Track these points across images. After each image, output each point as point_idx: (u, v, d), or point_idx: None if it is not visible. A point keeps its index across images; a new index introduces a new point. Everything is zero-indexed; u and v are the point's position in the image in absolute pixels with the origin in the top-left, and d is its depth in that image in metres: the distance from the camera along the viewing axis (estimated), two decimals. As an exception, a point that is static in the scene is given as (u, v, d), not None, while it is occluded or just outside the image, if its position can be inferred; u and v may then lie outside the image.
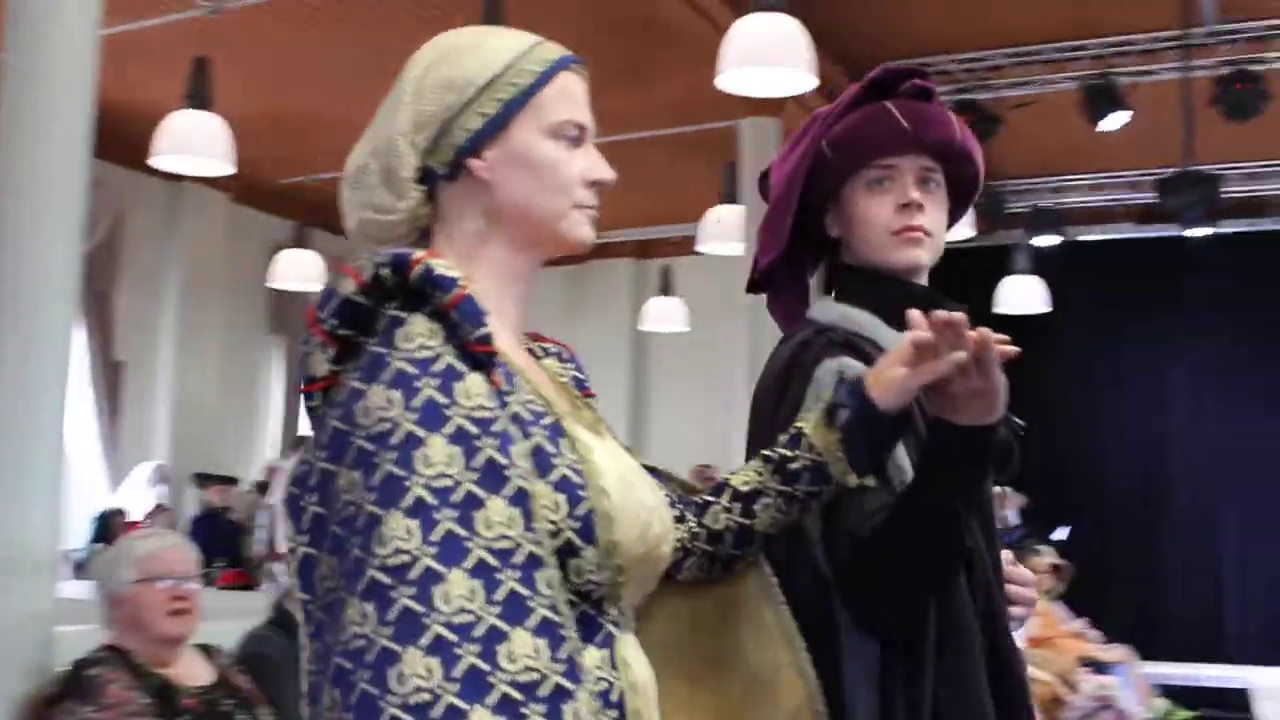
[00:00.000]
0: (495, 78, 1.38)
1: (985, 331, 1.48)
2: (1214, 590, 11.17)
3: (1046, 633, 7.06)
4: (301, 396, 1.28)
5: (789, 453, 1.57)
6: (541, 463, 1.25)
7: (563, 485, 1.25)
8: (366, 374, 1.21)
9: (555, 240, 1.42)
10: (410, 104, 1.38)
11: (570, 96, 1.41)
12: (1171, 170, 8.28)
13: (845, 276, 1.88)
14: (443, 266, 1.24)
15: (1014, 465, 1.73)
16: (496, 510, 1.17)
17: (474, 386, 1.21)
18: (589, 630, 1.27)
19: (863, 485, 1.61)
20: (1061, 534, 9.44)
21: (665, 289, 11.24)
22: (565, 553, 1.24)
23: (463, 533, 1.14)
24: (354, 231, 1.42)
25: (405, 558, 1.12)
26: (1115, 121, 7.89)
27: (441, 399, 1.19)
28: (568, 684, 1.14)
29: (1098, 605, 9.49)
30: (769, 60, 5.16)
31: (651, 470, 1.50)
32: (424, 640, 1.09)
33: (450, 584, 1.12)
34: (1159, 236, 10.37)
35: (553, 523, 1.23)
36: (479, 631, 1.11)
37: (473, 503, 1.16)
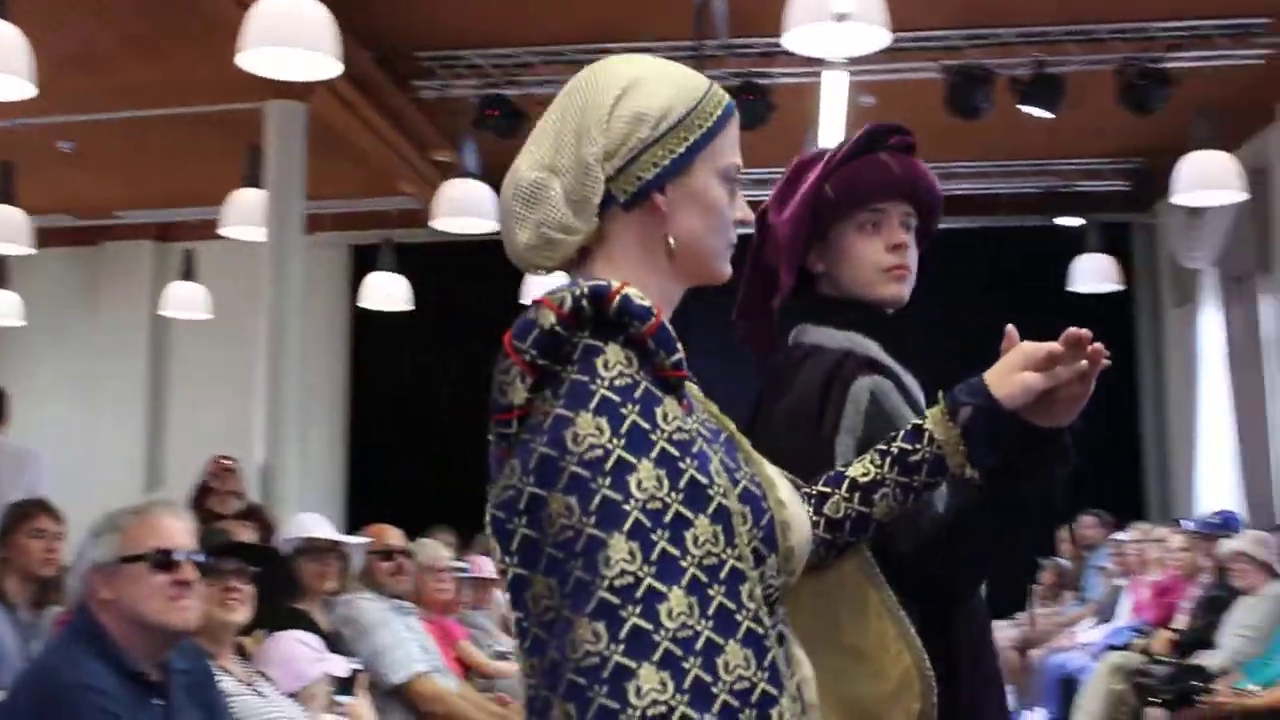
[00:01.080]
0: (684, 117, 1.52)
1: (1099, 346, 1.70)
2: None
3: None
4: (493, 424, 1.39)
5: (909, 446, 1.72)
6: (728, 478, 1.39)
7: (746, 497, 1.39)
8: (571, 402, 1.33)
9: (710, 274, 1.59)
10: (603, 131, 1.49)
11: (735, 141, 1.58)
12: None
13: (833, 307, 2.22)
14: (638, 297, 1.37)
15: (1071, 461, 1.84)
16: (703, 528, 1.30)
17: (671, 410, 1.35)
18: (780, 632, 1.43)
19: None
20: None
21: (187, 274, 10.47)
22: (754, 562, 1.36)
23: (676, 552, 1.27)
24: (525, 244, 1.53)
25: (630, 579, 1.25)
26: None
27: (645, 424, 1.32)
28: (773, 690, 1.28)
29: None
30: (292, 42, 5.09)
31: None
32: (655, 656, 1.22)
33: (672, 601, 1.25)
34: None
35: (742, 533, 1.36)
36: (699, 645, 1.24)
37: (682, 523, 1.29)
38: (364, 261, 11.06)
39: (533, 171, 1.54)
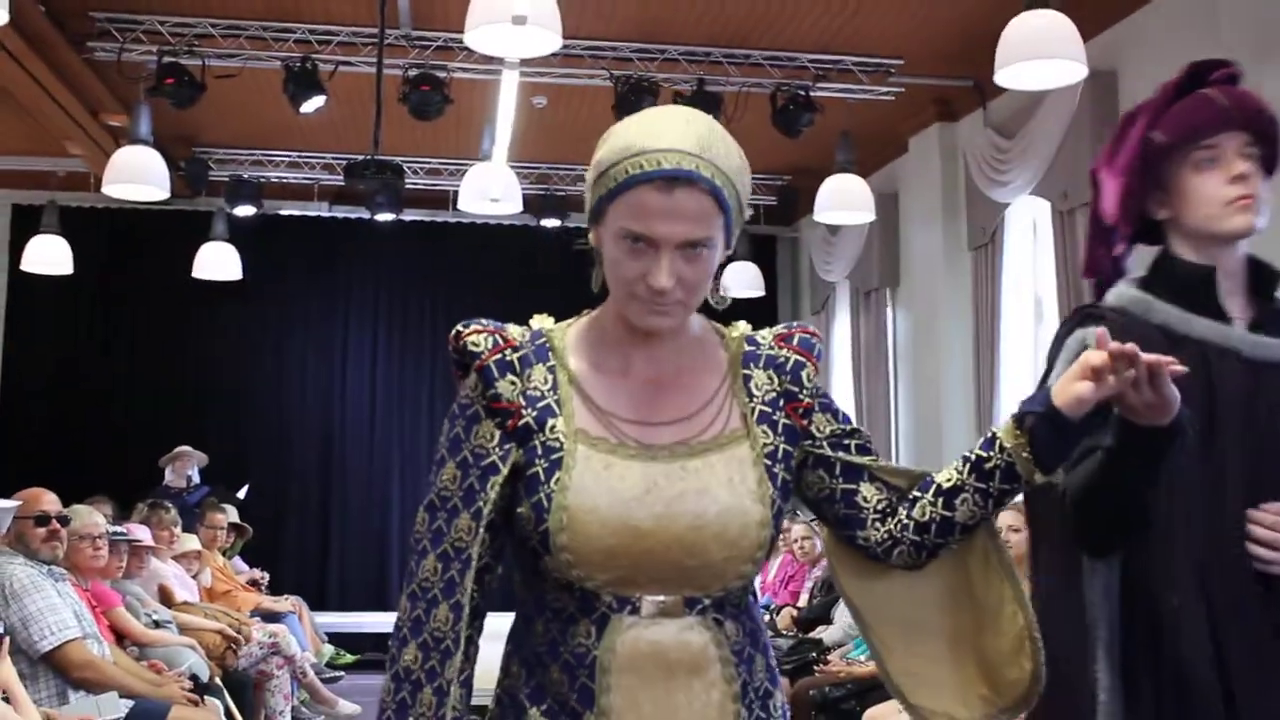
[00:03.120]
0: (602, 174, 1.72)
1: (1158, 357, 1.74)
2: (381, 546, 11.57)
3: (224, 586, 8.17)
4: None
5: (985, 454, 1.81)
6: (530, 488, 1.73)
7: (536, 507, 1.71)
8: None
9: (627, 317, 1.79)
10: (589, 179, 1.78)
11: (638, 210, 1.68)
12: (362, 157, 8.55)
13: (1174, 255, 2.19)
14: (472, 341, 1.80)
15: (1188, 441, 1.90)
16: (464, 521, 1.74)
17: (485, 430, 1.77)
18: (585, 608, 1.73)
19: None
20: (241, 493, 9.85)
21: None
22: (536, 555, 1.74)
23: (445, 530, 1.75)
24: None
25: (417, 537, 1.77)
26: (314, 105, 7.77)
27: (462, 435, 1.78)
28: (454, 648, 1.73)
29: (274, 560, 10.07)
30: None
31: (856, 469, 1.88)
32: (408, 590, 1.76)
33: (428, 561, 1.75)
34: (350, 217, 10.96)
35: (527, 532, 1.73)
36: (429, 596, 1.73)
37: (455, 512, 1.75)
38: (25, 222, 10.46)
39: None
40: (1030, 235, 8.12)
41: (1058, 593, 2.18)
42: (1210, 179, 2.11)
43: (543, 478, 1.72)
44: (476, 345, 1.78)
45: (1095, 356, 1.76)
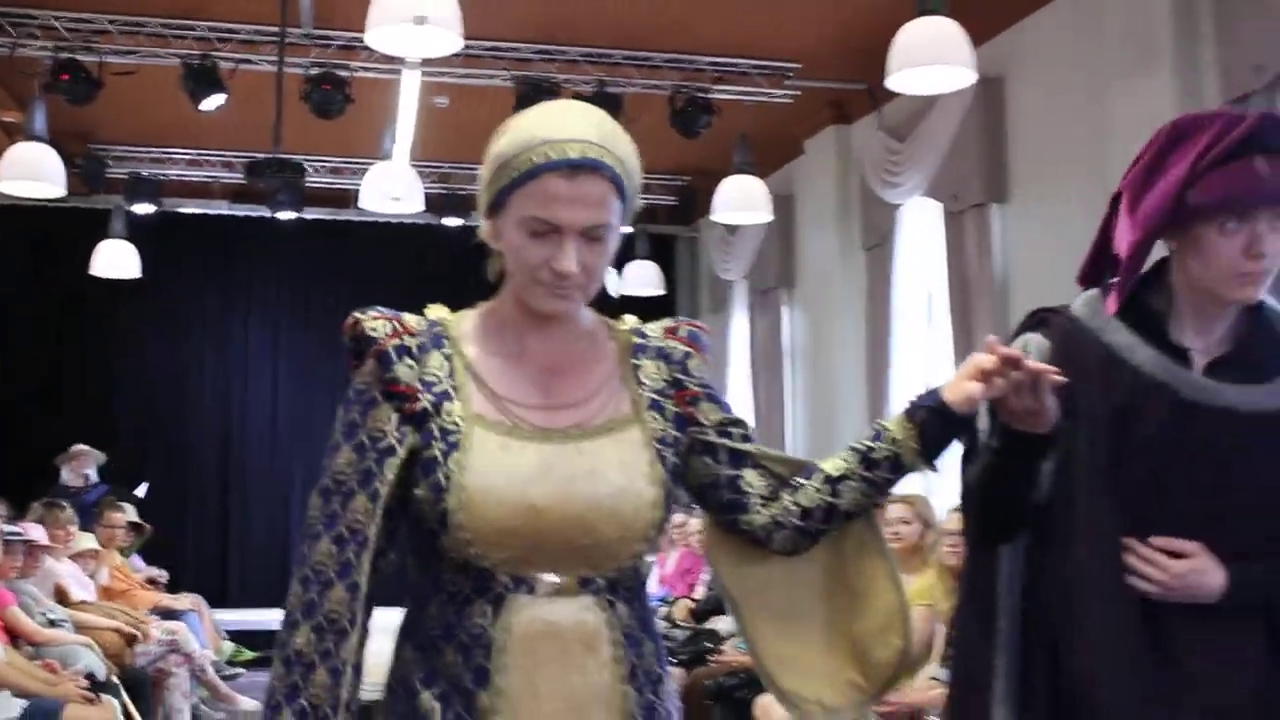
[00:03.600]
0: (503, 165, 1.76)
1: (1041, 366, 1.83)
2: (282, 543, 11.36)
3: (122, 585, 8.03)
4: None
5: (873, 445, 1.89)
6: (427, 469, 1.74)
7: (434, 487, 1.73)
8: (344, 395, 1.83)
9: (527, 303, 1.82)
10: (482, 173, 1.83)
11: (543, 198, 1.72)
12: (263, 155, 8.67)
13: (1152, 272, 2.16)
14: (370, 327, 1.82)
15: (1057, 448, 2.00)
16: (361, 503, 1.75)
17: (382, 415, 1.78)
18: (481, 588, 1.76)
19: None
20: (142, 491, 9.72)
21: None
22: (434, 535, 1.75)
23: (340, 513, 1.76)
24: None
25: (310, 522, 1.78)
26: (214, 103, 7.69)
27: (358, 420, 1.79)
28: (349, 627, 1.74)
29: (174, 558, 9.96)
30: None
31: (740, 455, 1.93)
32: (299, 575, 1.76)
33: (321, 545, 1.76)
34: (250, 215, 10.59)
35: (424, 513, 1.74)
36: (323, 579, 1.74)
37: (350, 495, 1.76)
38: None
39: None
40: (922, 236, 8.25)
41: (971, 594, 2.27)
42: (1231, 245, 2.03)
43: (440, 459, 1.74)
44: (375, 330, 1.80)
45: (985, 359, 1.82)
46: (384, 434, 1.77)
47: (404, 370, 1.78)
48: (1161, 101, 5.79)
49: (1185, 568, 2.05)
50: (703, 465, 1.92)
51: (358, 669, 1.76)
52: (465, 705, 1.75)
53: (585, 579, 1.79)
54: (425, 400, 1.77)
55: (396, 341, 1.80)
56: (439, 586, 1.79)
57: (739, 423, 1.96)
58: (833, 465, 1.92)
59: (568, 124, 1.77)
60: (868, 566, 1.97)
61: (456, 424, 1.76)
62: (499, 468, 1.74)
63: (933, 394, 1.89)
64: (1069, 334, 2.15)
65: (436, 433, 1.76)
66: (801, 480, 1.92)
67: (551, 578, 1.77)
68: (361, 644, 1.76)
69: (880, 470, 1.88)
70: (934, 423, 1.86)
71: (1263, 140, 2.01)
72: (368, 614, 1.78)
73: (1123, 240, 2.16)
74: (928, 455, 1.87)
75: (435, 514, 1.73)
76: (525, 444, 1.77)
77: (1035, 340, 2.13)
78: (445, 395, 1.78)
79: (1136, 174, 2.15)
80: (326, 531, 1.75)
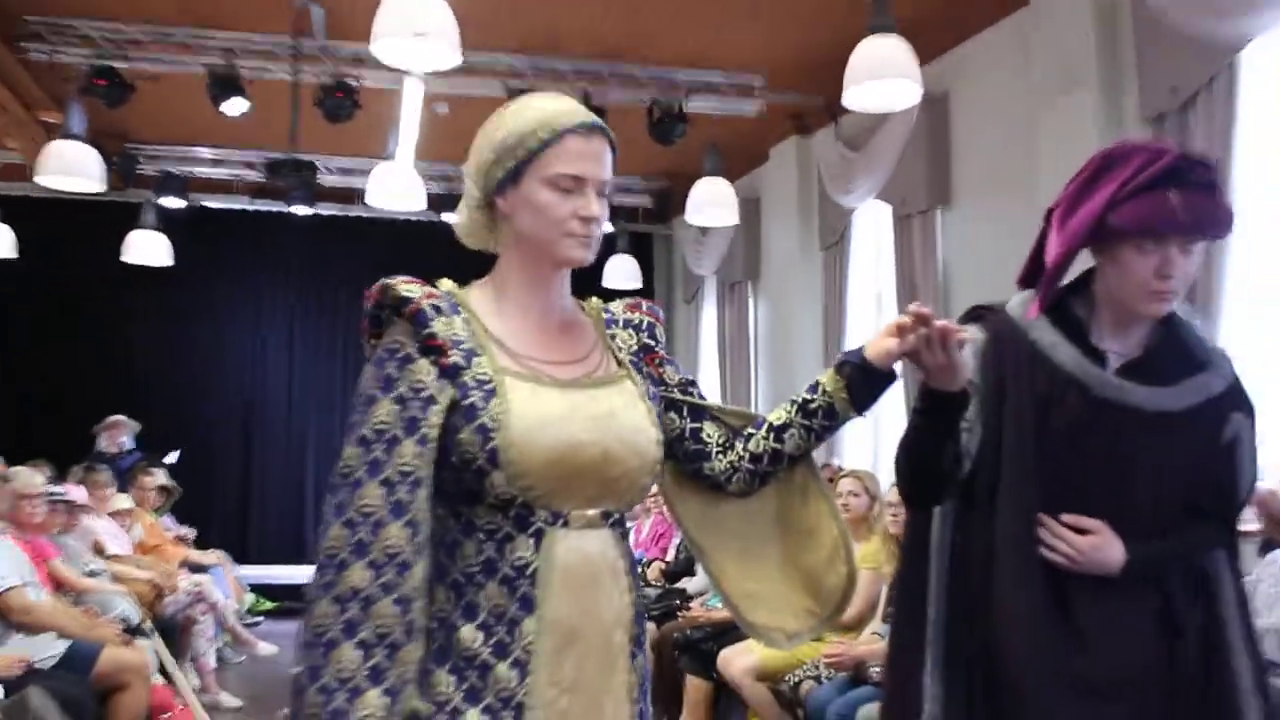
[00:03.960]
0: (514, 144, 1.81)
1: (947, 324, 1.88)
2: (298, 504, 11.51)
3: (154, 541, 8.02)
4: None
5: (810, 397, 1.97)
6: (469, 415, 1.73)
7: (481, 429, 1.71)
8: (371, 357, 1.81)
9: (556, 258, 1.85)
10: (477, 155, 1.86)
11: (568, 156, 1.80)
12: (280, 155, 8.68)
13: (1079, 280, 2.20)
14: (405, 290, 1.78)
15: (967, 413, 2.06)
16: (409, 448, 1.70)
17: (420, 369, 1.74)
18: (522, 525, 1.75)
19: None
20: (172, 457, 9.74)
21: None
22: (482, 475, 1.72)
23: (384, 459, 1.69)
24: (458, 225, 1.94)
25: (348, 470, 1.70)
26: (236, 107, 7.61)
27: (395, 374, 1.74)
28: (413, 560, 1.67)
29: (202, 518, 9.98)
30: None
31: (700, 410, 2.01)
32: (343, 518, 1.67)
33: (367, 487, 1.68)
34: (269, 210, 10.54)
35: (472, 455, 1.72)
36: (373, 520, 1.67)
37: (395, 442, 1.70)
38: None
39: (465, 178, 1.91)
40: (873, 237, 8.28)
41: (909, 559, 2.30)
42: (1146, 265, 2.05)
43: (480, 405, 1.74)
44: (410, 291, 1.78)
45: (901, 318, 1.89)
46: (425, 385, 1.74)
47: (440, 325, 1.77)
48: (1086, 119, 5.82)
49: (1090, 544, 2.09)
50: (669, 420, 1.98)
51: (429, 600, 1.71)
52: (509, 632, 1.73)
53: (606, 513, 1.83)
54: (456, 355, 1.76)
55: (430, 301, 1.79)
56: (474, 528, 1.76)
57: (694, 383, 2.04)
58: (776, 416, 1.99)
59: (561, 104, 1.85)
60: (812, 506, 2.06)
61: (487, 375, 1.76)
62: (536, 410, 1.75)
63: (857, 352, 1.96)
64: (1002, 329, 2.20)
65: (471, 383, 1.75)
66: (752, 430, 2.01)
67: (584, 511, 1.79)
68: (426, 578, 1.70)
69: (817, 419, 1.96)
70: (858, 375, 1.94)
71: (1179, 176, 2.04)
72: (430, 554, 1.73)
73: (1051, 251, 2.18)
74: (856, 404, 1.95)
75: (486, 453, 1.72)
76: (550, 390, 1.79)
77: (972, 331, 2.16)
78: (472, 352, 1.78)
79: (1070, 193, 2.17)
80: (370, 476, 1.68)
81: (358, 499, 1.67)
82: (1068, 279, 2.21)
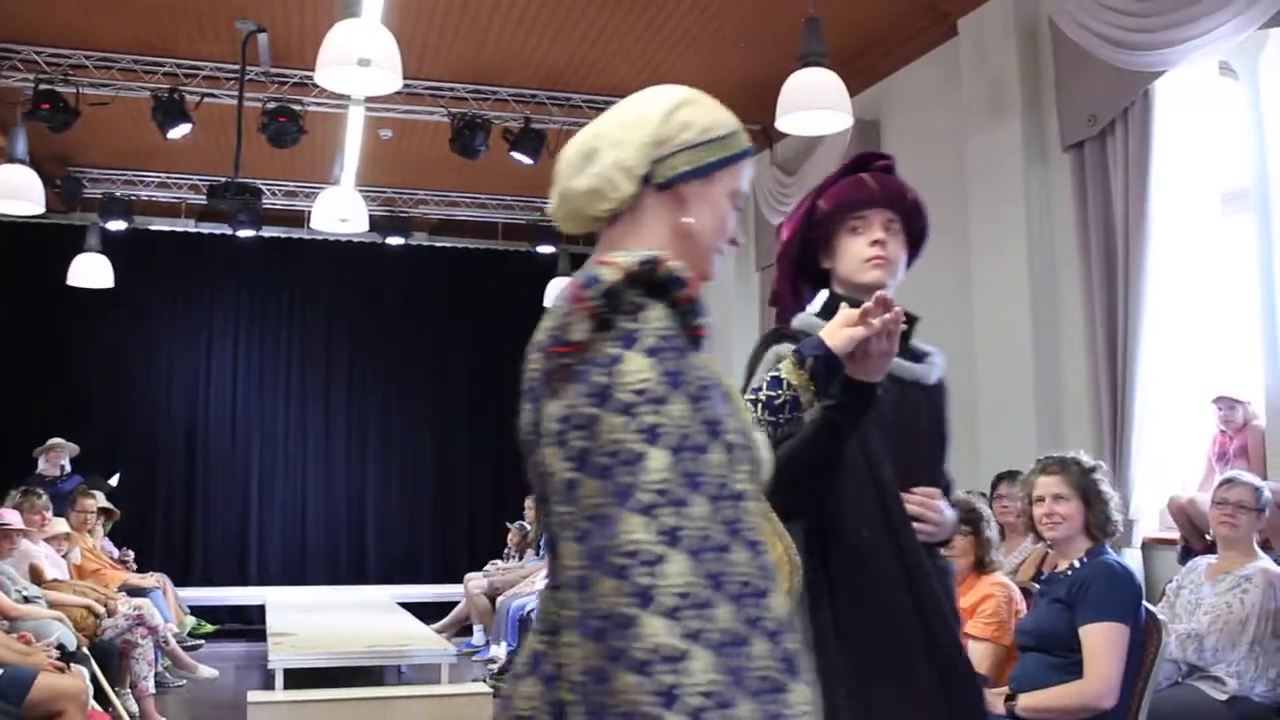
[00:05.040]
0: (721, 138, 1.63)
1: (898, 310, 1.96)
2: (241, 526, 11.34)
3: (92, 565, 7.89)
4: (549, 354, 1.40)
5: (774, 393, 1.95)
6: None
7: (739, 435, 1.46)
8: (625, 343, 1.36)
9: (701, 266, 1.63)
10: (656, 124, 1.60)
11: (746, 176, 1.68)
12: (224, 179, 8.51)
13: (835, 296, 2.37)
14: (680, 269, 1.41)
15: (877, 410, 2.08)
16: (716, 455, 1.34)
17: (697, 361, 1.39)
18: None
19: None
20: (113, 480, 9.43)
21: None
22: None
23: (698, 470, 1.31)
24: (582, 190, 1.62)
25: (664, 485, 1.29)
26: (181, 131, 7.57)
27: (678, 368, 1.35)
28: (767, 584, 1.31)
29: (144, 540, 10.10)
30: None
31: None
32: (683, 546, 1.27)
33: (694, 507, 1.29)
34: (214, 233, 10.57)
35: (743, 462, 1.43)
36: (714, 543, 1.29)
37: (701, 449, 1.33)
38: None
39: (592, 140, 1.62)
40: (808, 258, 8.34)
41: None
42: (857, 241, 2.36)
43: (724, 409, 1.49)
44: (684, 272, 1.43)
45: (867, 305, 1.95)
46: (714, 379, 1.44)
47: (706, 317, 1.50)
48: (1011, 144, 5.93)
49: (948, 513, 2.30)
50: None
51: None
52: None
53: None
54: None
55: (699, 286, 1.47)
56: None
57: None
58: None
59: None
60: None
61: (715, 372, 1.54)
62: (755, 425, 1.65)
63: (815, 342, 1.97)
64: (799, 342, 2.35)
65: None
66: None
67: None
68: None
69: (784, 413, 1.96)
70: (821, 366, 1.96)
71: (866, 164, 2.45)
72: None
73: (782, 247, 2.47)
74: (821, 394, 1.97)
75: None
76: None
77: (783, 349, 2.17)
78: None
79: (789, 217, 2.49)
80: (694, 491, 1.32)
81: (687, 520, 1.34)
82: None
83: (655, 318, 1.38)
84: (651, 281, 1.40)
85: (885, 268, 2.35)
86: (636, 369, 1.35)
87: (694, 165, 1.61)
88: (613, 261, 1.39)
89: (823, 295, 2.42)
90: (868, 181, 2.39)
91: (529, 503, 10.29)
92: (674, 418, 1.33)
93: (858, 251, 2.35)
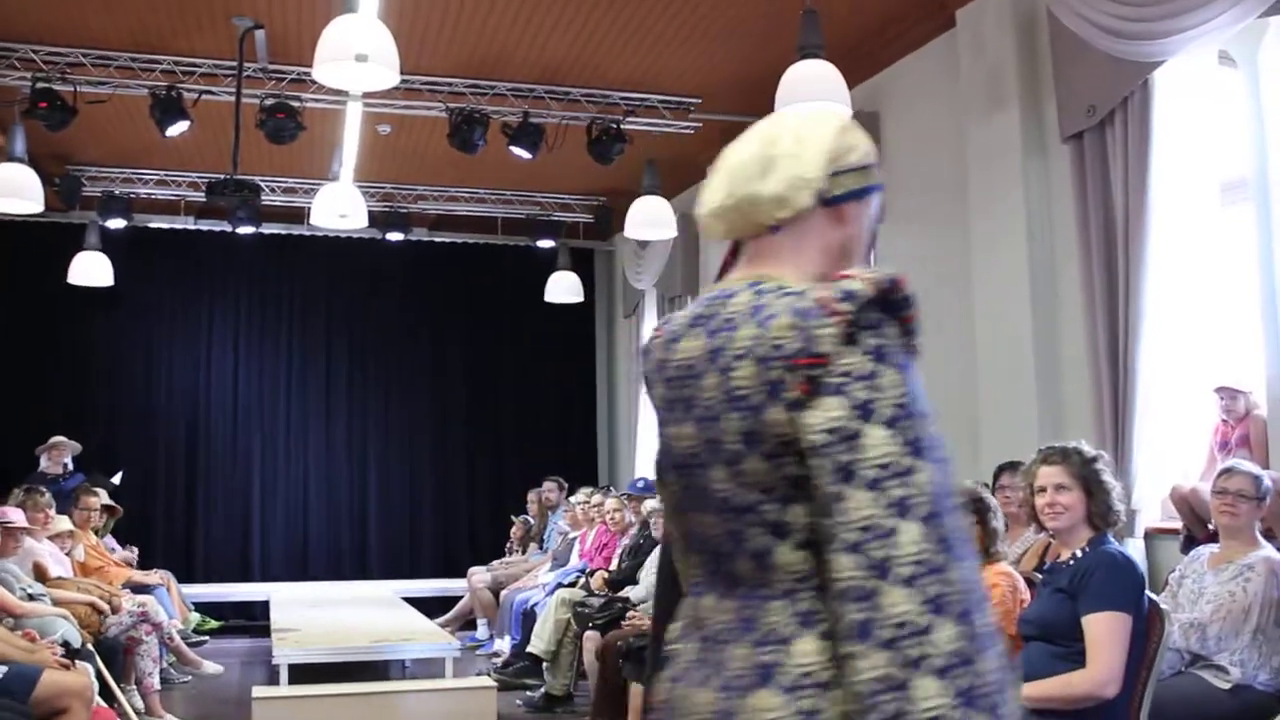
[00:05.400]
0: (871, 165, 1.66)
1: None
2: (244, 523, 11.33)
3: (96, 562, 7.92)
4: (797, 365, 1.42)
5: None
6: None
7: None
8: (880, 359, 1.40)
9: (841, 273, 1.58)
10: (831, 143, 1.62)
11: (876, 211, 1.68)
12: (222, 176, 8.35)
13: None
14: (911, 288, 1.46)
15: None
16: (949, 466, 1.40)
17: (919, 377, 1.44)
18: None
19: None
20: (115, 479, 9.45)
21: None
22: None
23: (948, 485, 1.38)
24: (771, 194, 1.61)
25: (935, 496, 1.35)
26: (179, 129, 7.54)
27: (917, 385, 1.42)
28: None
29: (147, 537, 10.15)
30: None
31: None
32: (957, 554, 1.33)
33: (953, 515, 1.36)
34: (213, 230, 10.47)
35: None
36: (968, 551, 1.37)
37: (946, 460, 1.40)
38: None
39: (765, 149, 1.62)
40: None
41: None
42: None
43: None
44: (914, 293, 1.47)
45: None
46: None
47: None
48: (1010, 136, 5.92)
49: None
50: None
51: None
52: None
53: None
54: None
55: None
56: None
57: None
58: None
59: None
60: None
61: None
62: None
63: None
64: None
65: None
66: None
67: None
68: None
69: None
70: None
71: None
72: None
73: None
74: None
75: None
76: None
77: None
78: None
79: None
80: (949, 499, 1.39)
81: (951, 530, 1.38)
82: None
83: (892, 334, 1.43)
84: (888, 299, 1.44)
85: None
86: (893, 384, 1.39)
87: (858, 186, 1.63)
88: (863, 276, 1.45)
89: None
90: None
91: (531, 497, 10.31)
92: (928, 432, 1.39)
93: None
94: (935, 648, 1.29)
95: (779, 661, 1.44)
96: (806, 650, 1.41)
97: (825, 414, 1.39)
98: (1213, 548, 4.24)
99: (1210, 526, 4.48)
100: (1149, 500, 5.19)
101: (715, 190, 1.66)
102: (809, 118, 1.67)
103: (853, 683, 1.33)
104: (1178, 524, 4.94)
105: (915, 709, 1.28)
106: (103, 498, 8.36)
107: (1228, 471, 4.19)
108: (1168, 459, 5.21)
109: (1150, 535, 5.19)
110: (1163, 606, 3.49)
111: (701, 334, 1.55)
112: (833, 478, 1.37)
